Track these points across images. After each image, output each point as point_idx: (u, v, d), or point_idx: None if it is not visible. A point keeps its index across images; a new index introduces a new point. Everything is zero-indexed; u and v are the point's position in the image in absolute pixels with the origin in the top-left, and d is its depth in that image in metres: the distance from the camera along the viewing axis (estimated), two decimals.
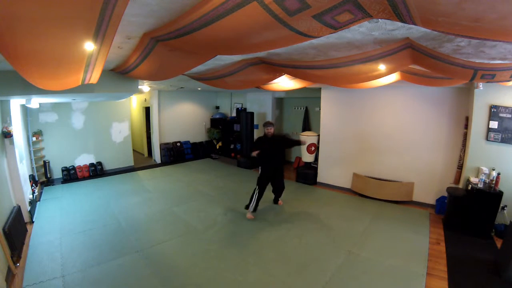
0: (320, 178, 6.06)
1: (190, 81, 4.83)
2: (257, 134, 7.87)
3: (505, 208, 3.69)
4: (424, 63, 2.40)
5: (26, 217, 3.95)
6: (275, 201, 4.75)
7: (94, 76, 2.58)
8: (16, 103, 4.51)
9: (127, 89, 3.86)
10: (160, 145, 8.16)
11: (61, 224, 3.99)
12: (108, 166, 7.03)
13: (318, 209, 4.59)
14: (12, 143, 3.88)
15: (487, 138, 3.86)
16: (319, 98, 5.95)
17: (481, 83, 3.68)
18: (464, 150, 4.24)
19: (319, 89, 5.90)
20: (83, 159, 6.63)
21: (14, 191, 3.85)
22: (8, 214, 3.34)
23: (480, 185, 3.69)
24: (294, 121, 7.83)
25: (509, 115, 3.73)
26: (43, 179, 5.95)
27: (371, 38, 1.92)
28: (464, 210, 3.73)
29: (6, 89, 3.09)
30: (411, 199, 4.87)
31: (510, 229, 3.00)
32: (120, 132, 7.24)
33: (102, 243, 3.47)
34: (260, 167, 4.33)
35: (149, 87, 6.24)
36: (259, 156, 4.13)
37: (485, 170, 3.76)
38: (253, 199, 4.17)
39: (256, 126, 7.87)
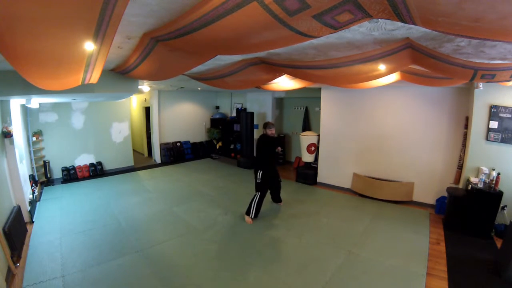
0: (320, 178, 6.06)
1: (190, 81, 4.83)
2: (257, 134, 7.87)
3: (505, 208, 3.69)
4: (424, 63, 2.40)
5: (26, 217, 3.95)
6: (276, 200, 4.69)
7: (94, 76, 2.58)
8: (16, 103, 4.51)
9: (127, 89, 3.86)
10: (160, 145, 8.16)
11: (61, 224, 3.99)
12: (108, 166, 7.03)
13: (318, 209, 4.59)
14: (12, 143, 3.88)
15: (487, 138, 3.86)
16: (319, 98, 5.95)
17: (481, 83, 3.68)
18: (464, 150, 4.24)
19: (319, 89, 5.90)
20: (83, 159, 6.63)
21: (14, 191, 3.85)
22: (8, 214, 3.34)
23: (480, 185, 3.69)
24: (294, 121, 7.83)
25: (509, 115, 3.73)
26: (43, 179, 5.95)
27: (371, 38, 1.92)
28: (464, 210, 3.73)
29: (6, 89, 3.09)
30: (411, 199, 4.87)
31: (510, 229, 3.00)
32: (120, 132, 7.24)
33: (102, 243, 3.47)
34: (259, 171, 4.05)
35: (149, 87, 6.24)
36: (262, 158, 4.09)
37: (485, 170, 3.76)
38: (253, 204, 4.05)
39: (256, 126, 7.87)
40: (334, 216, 4.31)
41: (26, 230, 3.76)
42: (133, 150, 7.98)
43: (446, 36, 1.73)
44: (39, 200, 4.97)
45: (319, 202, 4.96)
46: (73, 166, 6.42)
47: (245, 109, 8.64)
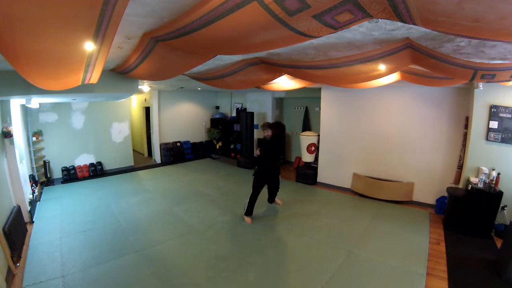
0: (320, 178, 6.06)
1: (190, 81, 4.83)
2: (257, 134, 7.88)
3: (505, 208, 3.69)
4: (424, 63, 2.40)
5: (26, 217, 3.95)
6: (271, 200, 4.67)
7: (94, 76, 2.58)
8: (16, 103, 4.51)
9: (127, 89, 3.86)
10: (160, 145, 8.16)
11: (61, 224, 3.99)
12: (108, 166, 7.03)
13: (318, 209, 4.59)
14: (12, 143, 3.88)
15: (487, 138, 3.86)
16: (319, 98, 5.95)
17: (481, 83, 3.68)
18: (464, 150, 4.24)
19: (319, 89, 5.90)
20: (83, 159, 6.63)
21: (14, 191, 3.84)
22: (8, 214, 3.34)
23: (480, 185, 3.69)
24: (294, 121, 7.83)
25: (509, 115, 3.73)
26: (43, 179, 5.95)
27: (371, 38, 1.92)
28: (464, 210, 3.72)
29: (6, 89, 3.09)
30: (411, 199, 4.87)
31: (510, 229, 3.00)
32: (120, 132, 7.24)
33: (102, 243, 3.47)
34: (256, 168, 4.13)
35: (149, 87, 6.24)
36: (260, 157, 4.09)
37: (485, 170, 3.76)
38: (247, 200, 4.08)
39: (256, 126, 7.87)
40: (334, 216, 4.31)
41: (26, 230, 3.76)
42: (133, 150, 7.98)
43: (446, 36, 1.73)
44: (39, 200, 4.97)
45: (319, 202, 4.96)
46: (73, 166, 6.42)
47: (245, 109, 8.64)
